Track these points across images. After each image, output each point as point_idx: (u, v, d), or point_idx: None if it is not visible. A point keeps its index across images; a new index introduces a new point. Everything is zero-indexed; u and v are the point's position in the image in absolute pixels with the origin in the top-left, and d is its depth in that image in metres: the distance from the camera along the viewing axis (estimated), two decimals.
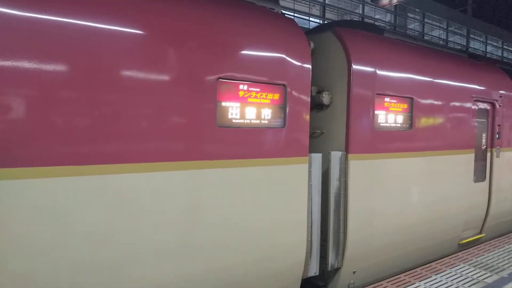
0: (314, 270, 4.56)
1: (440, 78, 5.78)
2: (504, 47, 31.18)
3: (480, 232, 7.03)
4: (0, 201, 2.59)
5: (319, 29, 5.69)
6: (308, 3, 25.56)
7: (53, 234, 2.80)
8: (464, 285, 4.50)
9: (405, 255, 5.61)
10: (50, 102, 2.76)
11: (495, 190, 6.90)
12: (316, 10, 26.54)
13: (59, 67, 2.78)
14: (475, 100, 6.36)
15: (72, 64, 2.83)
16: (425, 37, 26.68)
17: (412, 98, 5.32)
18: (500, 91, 6.84)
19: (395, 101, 5.15)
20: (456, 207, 6.22)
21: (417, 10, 28.27)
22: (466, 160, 6.29)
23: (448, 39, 29.77)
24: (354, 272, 4.99)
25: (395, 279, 4.65)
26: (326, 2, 26.40)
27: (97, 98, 2.94)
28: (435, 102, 5.68)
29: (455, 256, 5.45)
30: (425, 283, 4.54)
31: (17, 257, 2.68)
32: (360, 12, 28.03)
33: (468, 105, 6.24)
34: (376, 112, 4.92)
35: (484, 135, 6.76)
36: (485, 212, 6.91)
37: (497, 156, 6.89)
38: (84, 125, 2.88)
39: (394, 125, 5.19)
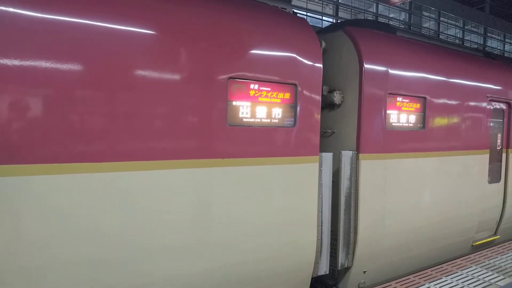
0: (324, 269, 4.58)
1: (454, 77, 5.74)
2: None
3: (495, 234, 6.94)
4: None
5: (331, 28, 5.70)
6: (321, 2, 25.48)
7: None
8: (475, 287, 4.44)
9: (417, 256, 5.58)
10: (72, 102, 2.88)
11: (511, 192, 6.80)
12: (329, 9, 26.44)
13: (82, 70, 2.90)
14: (490, 100, 6.28)
15: (94, 66, 2.95)
16: (441, 36, 26.31)
17: (425, 98, 5.29)
18: None
19: (407, 100, 5.13)
20: (470, 208, 6.16)
21: (433, 8, 27.90)
22: (480, 160, 6.23)
23: (465, 38, 29.30)
24: (364, 272, 5.00)
25: (404, 280, 4.62)
26: (340, 1, 26.28)
27: (118, 98, 3.07)
28: (449, 102, 5.63)
29: (467, 258, 5.39)
30: (434, 285, 4.49)
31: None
32: (374, 11, 27.80)
33: (483, 105, 6.17)
34: (388, 111, 4.91)
35: (499, 136, 6.67)
36: (500, 214, 6.82)
37: None
38: (109, 124, 3.03)
39: (407, 125, 5.17)
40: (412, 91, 5.17)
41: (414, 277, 4.65)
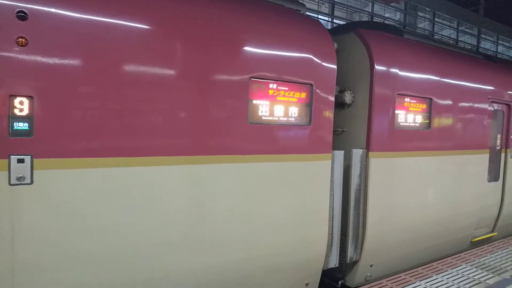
0: (334, 262, 4.80)
1: (458, 79, 5.99)
2: None
3: (492, 231, 7.23)
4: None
5: (341, 29, 5.90)
6: (317, 0, 25.66)
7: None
8: (464, 286, 4.54)
9: (420, 250, 5.84)
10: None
11: (508, 190, 7.11)
12: (325, 8, 26.62)
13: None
14: (491, 102, 6.55)
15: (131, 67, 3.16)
16: (435, 37, 26.70)
17: (431, 99, 5.52)
18: None
19: (414, 101, 5.36)
20: (470, 206, 6.44)
21: (428, 9, 28.24)
22: (481, 160, 6.50)
23: (459, 39, 29.72)
24: (371, 266, 5.23)
25: (396, 277, 4.72)
26: (335, 0, 26.47)
27: (155, 97, 3.30)
28: (453, 103, 5.88)
29: (457, 257, 5.51)
30: (425, 282, 4.58)
31: None
32: (370, 11, 28.07)
33: (484, 106, 6.44)
34: (396, 111, 5.13)
35: (499, 136, 6.96)
36: (497, 212, 7.12)
37: (511, 157, 7.09)
38: (142, 121, 3.25)
39: (413, 124, 5.40)
40: (419, 92, 5.40)
41: (405, 275, 4.78)
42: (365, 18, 26.83)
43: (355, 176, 4.88)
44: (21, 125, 2.83)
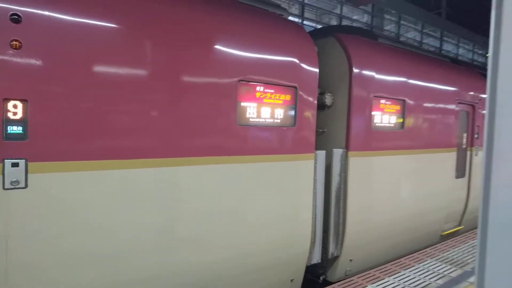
0: (317, 258, 5.01)
1: (428, 81, 6.36)
2: (475, 50, 32.78)
3: (459, 225, 7.72)
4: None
5: (317, 33, 6.12)
6: (288, 1, 26.02)
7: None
8: (430, 280, 4.70)
9: (395, 245, 6.17)
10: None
11: (473, 186, 7.60)
12: (295, 9, 27.03)
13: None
14: (458, 103, 6.99)
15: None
16: (401, 39, 27.72)
17: (404, 100, 5.85)
18: (480, 95, 7.52)
19: (389, 103, 5.67)
20: (441, 201, 6.86)
21: (394, 12, 29.22)
22: (449, 158, 6.93)
23: (423, 41, 30.93)
24: (351, 260, 5.49)
25: (366, 274, 4.83)
26: (305, 1, 26.96)
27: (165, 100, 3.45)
28: (424, 104, 6.25)
29: (424, 252, 5.72)
30: (394, 278, 4.70)
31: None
32: (339, 13, 28.75)
33: (452, 107, 6.87)
34: (372, 113, 5.40)
35: (465, 135, 7.43)
36: (464, 206, 7.60)
37: (476, 155, 7.59)
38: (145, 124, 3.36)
39: (388, 125, 5.71)
40: (393, 94, 5.71)
41: (375, 271, 4.92)
42: (334, 20, 27.47)
43: (336, 174, 5.11)
44: (15, 129, 2.83)
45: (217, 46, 3.75)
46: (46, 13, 2.88)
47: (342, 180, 5.15)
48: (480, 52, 34.43)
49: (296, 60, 4.41)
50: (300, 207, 4.62)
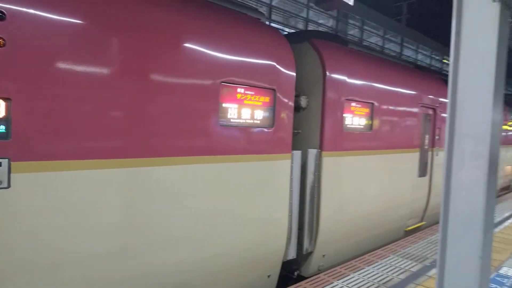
0: (292, 254, 5.24)
1: (394, 86, 6.78)
2: (432, 56, 34.53)
3: (421, 220, 8.23)
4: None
5: (291, 37, 6.36)
6: (256, 3, 26.32)
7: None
8: (393, 275, 4.90)
9: (364, 240, 6.52)
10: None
11: (434, 184, 8.14)
12: (263, 11, 27.35)
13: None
14: (421, 106, 7.48)
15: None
16: (364, 43, 28.75)
17: (372, 103, 6.21)
18: (440, 99, 8.07)
19: (359, 105, 6.00)
20: (405, 199, 7.31)
21: (357, 17, 30.23)
22: (413, 158, 7.40)
23: (384, 46, 32.19)
24: (323, 256, 5.76)
25: (332, 271, 4.99)
26: (273, 3, 27.38)
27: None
28: (390, 107, 6.65)
29: (386, 248, 5.98)
30: (358, 274, 4.88)
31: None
32: (305, 16, 29.39)
33: (416, 110, 7.34)
34: (344, 115, 5.71)
35: (427, 137, 7.94)
36: (426, 203, 8.12)
37: (436, 155, 8.13)
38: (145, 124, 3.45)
39: (358, 126, 6.04)
40: (363, 97, 6.05)
41: (340, 268, 5.10)
42: (301, 23, 28.08)
43: (310, 173, 5.36)
44: None
45: (201, 49, 3.88)
46: (31, 10, 2.89)
47: (316, 178, 5.41)
48: (437, 58, 36.26)
49: (275, 64, 4.61)
50: (277, 205, 4.82)
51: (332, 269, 5.04)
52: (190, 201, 3.90)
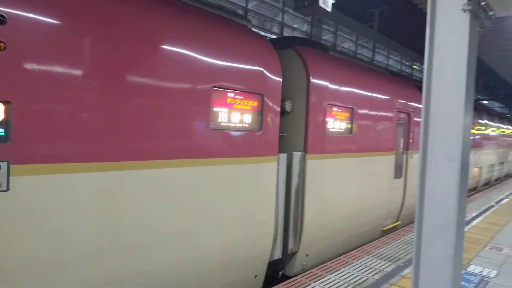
0: (278, 254, 5.43)
1: (372, 91, 7.11)
2: (403, 61, 35.77)
3: (397, 220, 8.62)
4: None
5: (274, 43, 6.58)
6: (231, 5, 26.50)
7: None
8: (368, 275, 5.02)
9: (344, 240, 6.80)
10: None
11: (408, 185, 8.56)
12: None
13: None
14: (396, 111, 7.86)
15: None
16: (338, 48, 29.48)
17: (352, 108, 6.50)
18: (413, 104, 8.50)
19: (340, 110, 6.28)
20: (382, 199, 7.66)
21: (331, 22, 30.93)
22: (389, 160, 7.77)
23: (357, 51, 33.06)
24: (307, 255, 5.98)
25: (309, 273, 5.06)
26: (249, 7, 27.65)
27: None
28: (369, 112, 6.98)
29: (360, 249, 6.14)
30: (335, 276, 4.99)
31: None
32: (280, 20, 29.81)
33: (392, 115, 7.71)
34: (326, 119, 5.96)
35: (402, 140, 8.34)
36: (401, 203, 8.51)
37: (411, 158, 8.55)
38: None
39: (339, 130, 6.32)
40: (344, 102, 6.34)
41: (317, 270, 5.18)
42: (276, 27, 28.45)
43: (295, 175, 5.58)
44: None
45: (195, 54, 4.02)
46: (31, 15, 2.95)
47: (300, 180, 5.63)
48: (407, 63, 37.56)
49: (263, 70, 4.80)
50: (265, 207, 5.00)
51: (309, 271, 5.13)
52: (182, 202, 4.02)
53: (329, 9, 8.43)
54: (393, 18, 30.63)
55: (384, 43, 32.34)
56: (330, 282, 4.78)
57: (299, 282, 4.76)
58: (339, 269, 5.24)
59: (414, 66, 37.00)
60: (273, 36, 21.49)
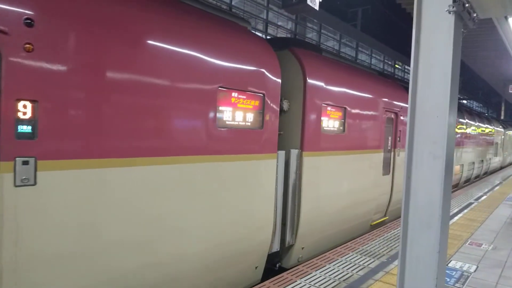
0: (276, 247, 5.76)
1: (363, 92, 7.52)
2: (385, 60, 36.62)
3: (385, 215, 9.08)
4: None
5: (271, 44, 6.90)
6: (216, 2, 26.64)
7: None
8: (353, 271, 5.16)
9: (337, 233, 7.19)
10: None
11: (396, 182, 9.03)
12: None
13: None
14: (385, 111, 8.30)
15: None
16: (322, 46, 30.02)
17: (345, 108, 6.88)
18: (401, 104, 8.96)
19: (334, 110, 6.65)
20: (371, 195, 8.09)
21: (315, 20, 31.43)
22: (378, 157, 8.21)
23: (341, 50, 33.67)
24: (302, 248, 6.33)
25: (295, 270, 5.18)
26: (233, 3, 27.85)
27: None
28: (360, 112, 7.39)
29: (345, 246, 6.34)
30: (320, 272, 5.10)
31: None
32: (265, 18, 30.12)
33: (381, 114, 8.14)
34: (322, 118, 6.32)
35: (390, 138, 8.80)
36: (388, 199, 8.98)
37: (398, 155, 9.02)
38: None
39: (333, 129, 6.69)
40: (337, 102, 6.71)
41: (302, 266, 5.31)
42: (260, 24, 28.77)
43: (292, 172, 5.92)
44: (25, 128, 3.07)
45: (204, 57, 4.30)
46: (57, 18, 3.17)
47: (297, 176, 5.97)
48: (389, 63, 38.45)
49: (265, 71, 5.11)
50: (265, 201, 5.32)
51: (294, 268, 5.26)
52: (193, 197, 4.30)
53: (316, 7, 8.75)
54: (376, 17, 31.39)
55: (368, 42, 33.07)
56: (316, 278, 4.92)
57: (285, 278, 4.88)
58: (325, 266, 5.38)
59: (397, 66, 37.93)
60: (258, 34, 21.73)
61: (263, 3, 29.19)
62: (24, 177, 3.05)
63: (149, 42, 3.80)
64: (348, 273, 5.11)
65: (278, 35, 27.04)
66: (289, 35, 28.37)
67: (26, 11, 2.99)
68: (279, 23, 31.44)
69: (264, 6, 30.07)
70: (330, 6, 29.57)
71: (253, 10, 29.82)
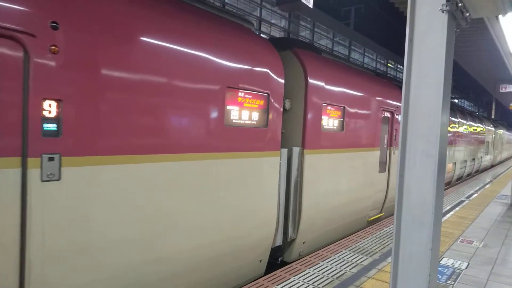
0: (279, 241, 6.02)
1: (361, 91, 7.81)
2: (378, 59, 37.09)
3: (381, 212, 9.40)
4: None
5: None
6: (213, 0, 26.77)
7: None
8: (346, 269, 5.24)
9: (336, 228, 7.48)
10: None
11: (392, 179, 9.35)
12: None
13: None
14: (382, 110, 8.61)
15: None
16: (315, 45, 30.33)
17: (344, 107, 7.16)
18: (396, 103, 9.28)
19: (334, 109, 6.92)
20: (368, 191, 8.40)
21: (309, 19, 31.73)
22: (374, 155, 8.52)
23: (334, 49, 34.03)
24: (304, 242, 6.60)
25: (289, 267, 5.26)
26: (226, 1, 28.01)
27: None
28: (358, 111, 7.67)
29: (339, 243, 6.44)
30: (314, 270, 5.16)
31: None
32: (258, 15, 30.31)
33: (378, 113, 8.45)
34: (322, 117, 6.59)
35: (386, 137, 9.12)
36: (384, 196, 9.30)
37: (394, 153, 9.35)
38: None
39: (333, 127, 6.96)
40: (337, 102, 6.98)
41: (296, 264, 5.39)
42: (254, 22, 28.91)
43: (294, 169, 6.18)
44: (51, 126, 3.27)
45: (214, 58, 4.53)
46: (80, 21, 3.38)
47: (299, 173, 6.23)
48: (382, 61, 38.95)
49: (269, 72, 5.36)
50: (269, 197, 5.58)
51: (288, 266, 5.34)
52: (204, 192, 4.54)
53: (310, 5, 8.97)
54: (369, 16, 31.80)
55: (360, 41, 33.49)
56: (310, 276, 4.99)
57: (279, 276, 4.97)
58: (318, 263, 5.46)
59: (389, 65, 38.43)
60: None
61: (256, 0, 29.35)
62: (50, 173, 3.26)
63: (168, 45, 4.03)
64: (341, 271, 5.21)
65: (271, 33, 27.23)
66: (282, 34, 28.64)
67: (52, 15, 3.19)
68: (273, 21, 31.64)
69: (258, 4, 30.25)
70: (324, 4, 29.87)
71: (246, 7, 30.00)
